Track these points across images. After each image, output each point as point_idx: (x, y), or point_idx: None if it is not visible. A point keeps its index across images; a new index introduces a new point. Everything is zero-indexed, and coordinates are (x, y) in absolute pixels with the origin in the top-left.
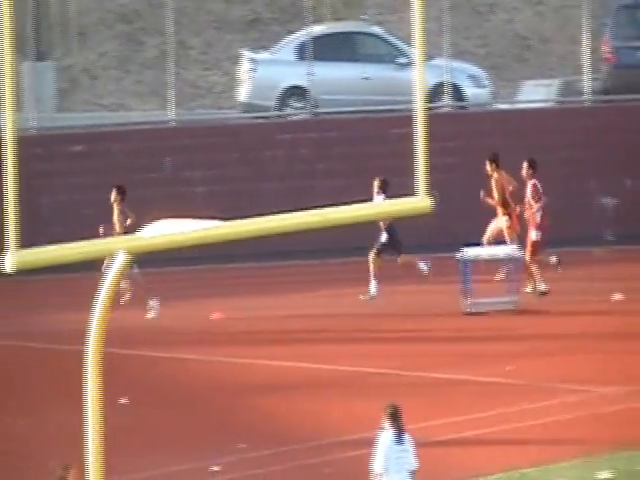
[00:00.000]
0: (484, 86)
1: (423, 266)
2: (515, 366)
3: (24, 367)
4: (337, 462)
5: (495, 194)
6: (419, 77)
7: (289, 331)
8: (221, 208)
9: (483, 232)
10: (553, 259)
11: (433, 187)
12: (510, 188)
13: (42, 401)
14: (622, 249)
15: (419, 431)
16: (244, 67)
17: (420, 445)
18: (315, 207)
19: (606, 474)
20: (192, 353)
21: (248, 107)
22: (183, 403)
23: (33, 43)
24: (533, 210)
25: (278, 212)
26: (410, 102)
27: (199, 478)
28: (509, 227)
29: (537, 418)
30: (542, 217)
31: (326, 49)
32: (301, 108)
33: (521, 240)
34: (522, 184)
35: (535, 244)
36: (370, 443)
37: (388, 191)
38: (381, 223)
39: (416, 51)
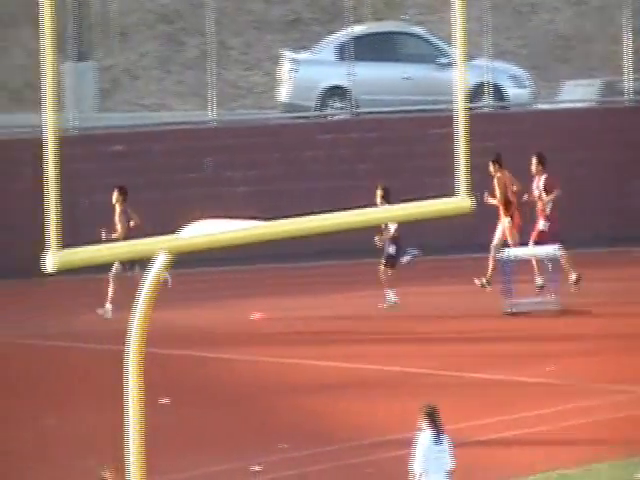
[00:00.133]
0: (525, 86)
1: (391, 297)
2: (556, 366)
3: (59, 367)
4: (379, 462)
5: (497, 194)
6: (460, 77)
7: (330, 331)
8: (262, 208)
9: (522, 232)
10: (573, 277)
11: (473, 188)
12: (514, 188)
13: (78, 401)
14: None
15: (459, 431)
16: (285, 67)
17: (460, 445)
18: (356, 207)
19: None
20: (235, 353)
21: (289, 107)
22: (226, 403)
23: (74, 43)
24: (544, 200)
25: (318, 212)
26: (451, 102)
27: (240, 478)
28: (511, 228)
29: (577, 419)
30: (552, 209)
31: (367, 49)
32: (341, 108)
33: (522, 241)
34: (529, 181)
35: (542, 234)
36: (413, 443)
37: (390, 198)
38: (390, 234)
39: (457, 51)
